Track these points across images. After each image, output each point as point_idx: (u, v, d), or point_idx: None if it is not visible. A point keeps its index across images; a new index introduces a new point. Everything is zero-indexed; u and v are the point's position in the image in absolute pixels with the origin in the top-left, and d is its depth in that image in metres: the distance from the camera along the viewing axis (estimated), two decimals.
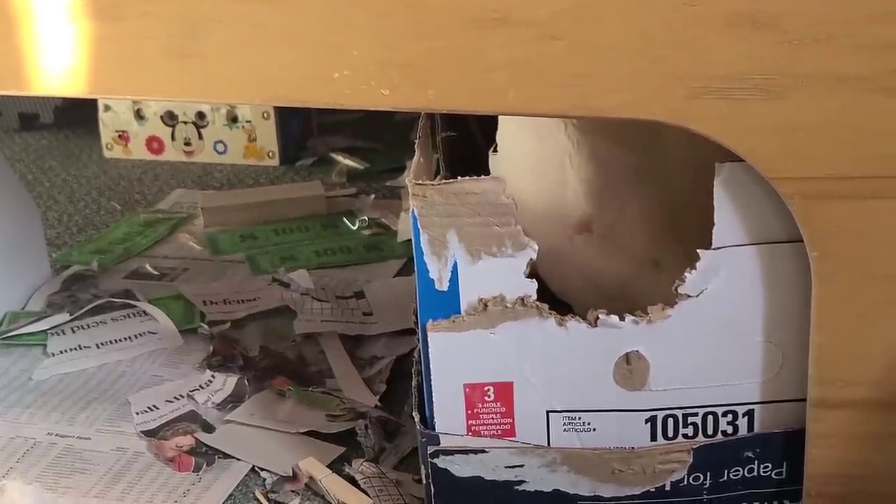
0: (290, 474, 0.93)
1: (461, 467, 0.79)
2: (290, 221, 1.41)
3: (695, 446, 0.78)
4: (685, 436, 0.79)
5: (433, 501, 0.81)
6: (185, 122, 1.63)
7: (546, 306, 0.75)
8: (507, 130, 0.86)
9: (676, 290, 0.75)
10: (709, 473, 0.79)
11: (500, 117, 0.86)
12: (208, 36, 0.71)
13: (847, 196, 0.69)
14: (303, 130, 1.66)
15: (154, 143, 1.65)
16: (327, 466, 0.93)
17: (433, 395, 0.78)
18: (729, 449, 0.78)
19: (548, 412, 0.78)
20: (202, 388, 1.05)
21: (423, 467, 0.81)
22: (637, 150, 0.80)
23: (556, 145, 0.82)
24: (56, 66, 0.74)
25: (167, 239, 1.39)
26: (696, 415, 0.78)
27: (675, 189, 0.80)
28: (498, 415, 0.78)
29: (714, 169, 0.72)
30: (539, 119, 0.81)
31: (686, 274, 0.74)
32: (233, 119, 1.61)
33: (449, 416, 0.79)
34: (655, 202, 0.81)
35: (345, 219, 1.41)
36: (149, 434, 1.00)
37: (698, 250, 0.74)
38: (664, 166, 0.80)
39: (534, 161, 0.84)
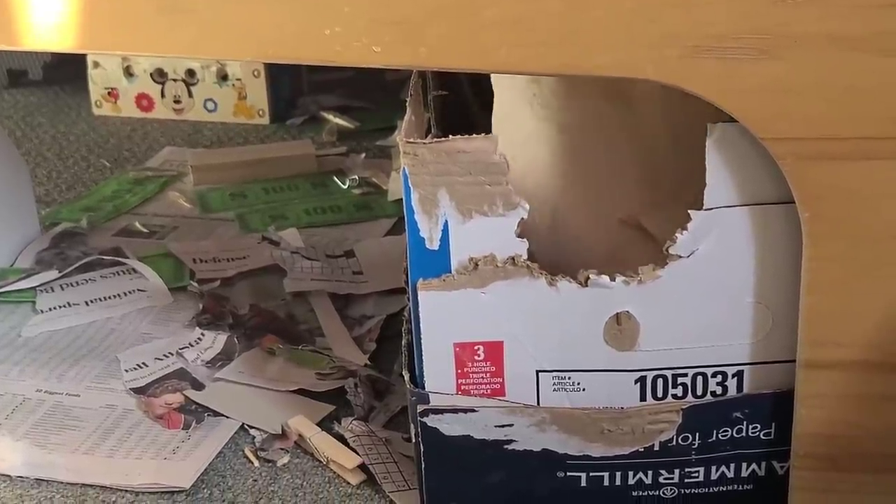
0: (280, 432, 0.93)
1: (450, 426, 0.79)
2: (280, 180, 1.40)
3: (684, 407, 0.78)
4: (674, 396, 0.79)
5: (422, 460, 0.81)
6: (175, 80, 1.62)
7: (537, 266, 0.75)
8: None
9: (667, 250, 0.74)
10: (698, 434, 0.79)
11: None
12: None
13: (839, 157, 0.69)
14: (293, 89, 1.66)
15: (144, 101, 1.64)
16: (316, 425, 0.93)
17: (423, 354, 0.78)
18: (718, 409, 0.79)
19: (537, 372, 0.78)
20: (192, 345, 1.06)
21: (412, 426, 0.81)
22: (604, 95, 0.79)
23: (521, 90, 0.81)
24: (46, 21, 0.73)
25: (157, 197, 1.39)
26: (685, 375, 0.78)
27: (650, 144, 0.79)
28: (488, 374, 0.78)
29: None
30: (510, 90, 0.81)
31: (677, 235, 0.74)
32: (223, 77, 1.60)
33: (439, 375, 0.79)
34: (628, 155, 0.80)
35: (335, 178, 1.40)
36: (138, 391, 1.00)
37: (689, 211, 0.73)
38: (636, 117, 0.80)
39: (503, 112, 0.83)
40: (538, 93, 0.81)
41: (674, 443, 0.79)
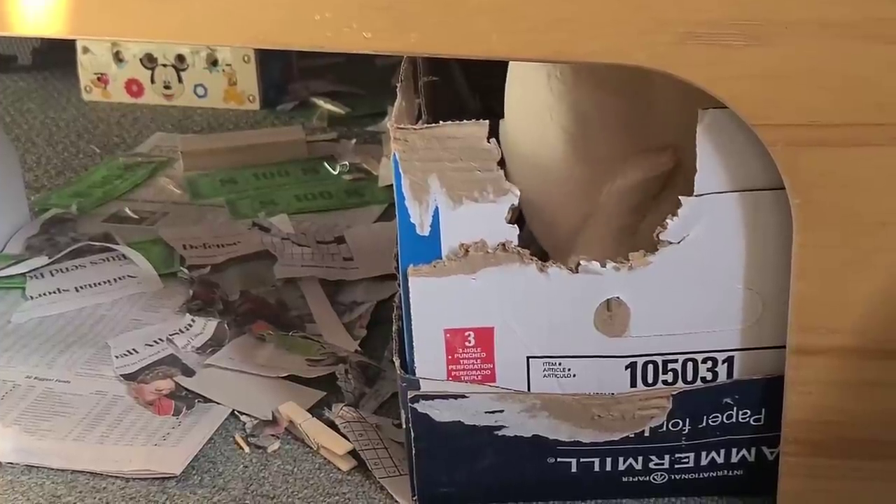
0: (270, 418, 0.93)
1: (441, 412, 0.79)
2: (271, 166, 1.40)
3: (674, 392, 0.78)
4: (665, 382, 0.79)
5: (413, 446, 0.81)
6: (165, 65, 1.62)
7: (527, 252, 0.75)
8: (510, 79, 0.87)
9: (658, 236, 0.75)
10: (688, 419, 0.79)
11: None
12: None
13: (830, 143, 0.69)
14: (284, 74, 1.65)
15: (133, 86, 1.64)
16: (307, 411, 0.93)
17: (413, 340, 0.78)
18: (708, 395, 0.79)
19: (528, 358, 0.78)
20: (182, 332, 1.05)
21: (402, 412, 0.81)
22: (623, 96, 0.79)
23: (538, 98, 0.81)
24: (36, 6, 0.73)
25: (147, 183, 1.38)
26: (675, 361, 0.78)
27: (667, 138, 0.80)
28: (478, 360, 0.78)
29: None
30: (526, 69, 0.80)
31: (668, 220, 0.74)
32: (213, 62, 1.60)
33: (429, 361, 0.79)
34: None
35: (325, 164, 1.40)
36: (128, 378, 0.99)
37: (680, 197, 0.73)
38: (653, 115, 0.80)
39: (519, 109, 0.83)
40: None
41: (664, 429, 0.79)
